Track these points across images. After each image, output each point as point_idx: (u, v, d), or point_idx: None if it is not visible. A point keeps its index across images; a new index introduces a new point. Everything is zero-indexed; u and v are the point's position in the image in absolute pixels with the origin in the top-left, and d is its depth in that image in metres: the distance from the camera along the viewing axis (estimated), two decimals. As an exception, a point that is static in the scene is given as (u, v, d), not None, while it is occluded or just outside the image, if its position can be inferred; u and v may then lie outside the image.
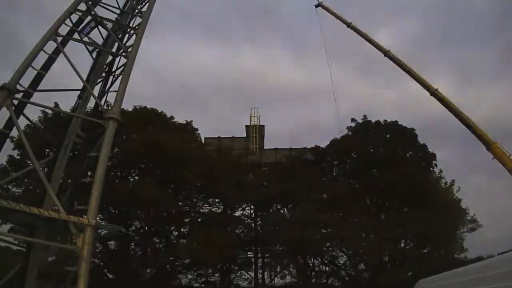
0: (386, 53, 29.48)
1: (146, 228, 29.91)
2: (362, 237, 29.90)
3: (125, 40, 13.34)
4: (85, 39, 12.67)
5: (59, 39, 11.50)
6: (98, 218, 9.76)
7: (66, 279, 10.03)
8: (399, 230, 29.23)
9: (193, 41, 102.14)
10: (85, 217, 9.36)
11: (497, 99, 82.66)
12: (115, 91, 11.85)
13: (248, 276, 34.87)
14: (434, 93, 26.64)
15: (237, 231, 32.62)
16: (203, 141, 35.07)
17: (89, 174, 11.84)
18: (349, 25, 31.90)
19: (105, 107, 12.82)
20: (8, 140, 12.17)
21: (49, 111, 25.44)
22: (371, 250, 28.62)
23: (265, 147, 39.95)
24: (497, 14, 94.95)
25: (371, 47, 30.80)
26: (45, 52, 11.24)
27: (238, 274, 34.61)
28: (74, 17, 12.28)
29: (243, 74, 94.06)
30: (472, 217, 32.85)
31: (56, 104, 21.70)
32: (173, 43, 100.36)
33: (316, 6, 35.38)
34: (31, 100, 10.93)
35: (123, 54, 12.54)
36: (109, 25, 13.07)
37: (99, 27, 12.90)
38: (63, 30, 11.91)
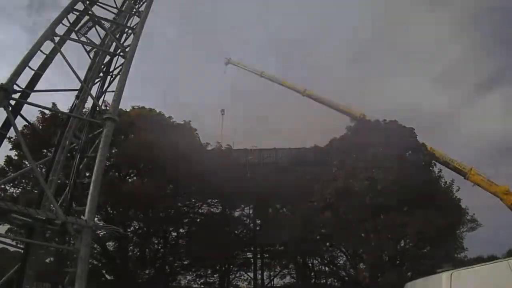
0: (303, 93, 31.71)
1: (144, 228, 29.84)
2: (361, 236, 29.83)
3: (122, 39, 13.28)
4: (83, 38, 12.60)
5: (56, 39, 11.43)
6: (96, 219, 9.68)
7: (64, 280, 9.96)
8: (398, 230, 29.16)
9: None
10: (83, 218, 9.30)
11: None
12: (113, 91, 11.78)
13: (248, 276, 34.87)
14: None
15: (236, 232, 32.57)
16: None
17: (87, 174, 11.79)
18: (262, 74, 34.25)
19: (103, 107, 12.74)
20: (6, 140, 12.12)
21: (47, 111, 25.34)
22: (370, 250, 28.57)
23: (264, 147, 39.81)
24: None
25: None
26: (42, 52, 11.18)
27: (237, 275, 34.62)
28: (72, 17, 12.22)
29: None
30: (471, 217, 32.85)
31: (54, 105, 21.63)
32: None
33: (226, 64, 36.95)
34: (28, 100, 10.87)
35: (121, 54, 12.47)
36: (107, 24, 13.00)
37: (97, 26, 12.83)
38: (61, 30, 11.86)
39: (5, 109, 10.03)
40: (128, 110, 29.12)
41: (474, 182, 22.27)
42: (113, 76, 12.75)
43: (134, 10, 13.81)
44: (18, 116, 10.80)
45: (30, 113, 26.15)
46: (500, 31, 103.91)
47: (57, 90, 13.28)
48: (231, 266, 33.59)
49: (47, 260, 13.30)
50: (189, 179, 28.77)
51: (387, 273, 28.08)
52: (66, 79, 12.67)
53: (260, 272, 34.68)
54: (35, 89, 11.01)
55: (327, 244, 30.81)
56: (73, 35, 12.23)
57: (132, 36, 12.91)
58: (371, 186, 30.20)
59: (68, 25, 12.08)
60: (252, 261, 34.89)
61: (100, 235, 23.84)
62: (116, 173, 29.24)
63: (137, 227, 30.15)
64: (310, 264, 33.37)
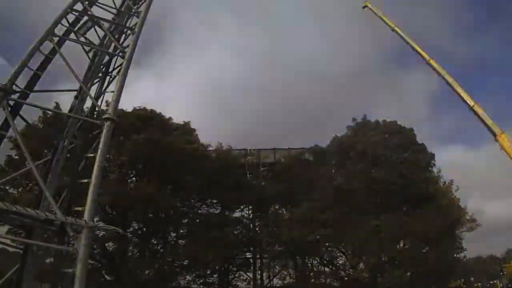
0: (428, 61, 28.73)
1: (144, 229, 29.80)
2: (361, 237, 29.88)
3: (121, 40, 13.28)
4: (82, 39, 12.60)
5: (56, 39, 11.43)
6: (95, 219, 9.67)
7: (63, 281, 9.95)
8: (398, 230, 29.19)
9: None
10: (82, 218, 9.29)
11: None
12: (112, 91, 11.76)
13: (247, 277, 34.82)
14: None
15: (235, 232, 32.55)
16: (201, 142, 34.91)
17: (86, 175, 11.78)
18: (393, 29, 31.41)
19: (102, 107, 12.75)
20: (6, 139, 12.11)
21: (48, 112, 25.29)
22: (370, 250, 28.60)
23: (263, 147, 39.79)
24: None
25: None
26: (41, 52, 11.17)
27: (236, 275, 34.57)
28: (71, 17, 12.21)
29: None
30: (470, 217, 32.90)
31: (57, 105, 21.61)
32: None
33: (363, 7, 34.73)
34: (28, 100, 10.87)
35: (120, 54, 12.46)
36: (106, 25, 12.99)
37: (96, 27, 12.83)
38: (60, 30, 11.85)
39: (4, 110, 10.03)
40: (128, 110, 29.03)
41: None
42: (112, 76, 12.75)
43: (133, 10, 13.79)
44: (18, 117, 10.81)
45: (32, 113, 26.07)
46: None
47: (57, 91, 13.31)
48: (231, 267, 33.58)
49: (47, 261, 13.29)
50: (189, 179, 28.74)
51: (386, 273, 28.10)
52: (65, 79, 12.68)
53: (259, 272, 34.65)
54: (34, 89, 11.01)
55: (327, 244, 30.80)
56: (72, 36, 12.22)
57: (131, 36, 12.91)
58: (371, 186, 30.24)
59: (67, 25, 12.07)
60: (252, 262, 34.87)
61: (100, 235, 23.82)
62: (116, 174, 29.19)
63: (136, 227, 30.12)
64: (310, 264, 33.37)
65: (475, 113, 24.53)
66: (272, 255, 32.87)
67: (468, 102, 25.05)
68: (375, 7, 33.43)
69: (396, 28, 30.78)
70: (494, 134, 23.05)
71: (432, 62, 27.72)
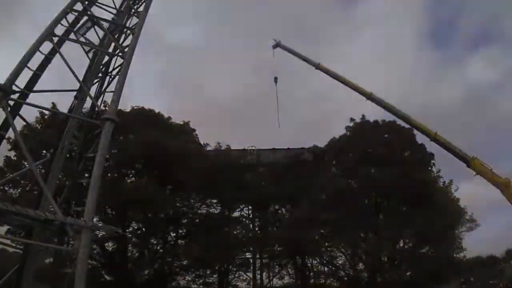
0: (369, 96, 26.51)
1: (143, 229, 29.80)
2: (360, 237, 29.86)
3: (121, 40, 13.27)
4: (81, 39, 12.59)
5: (55, 39, 11.42)
6: (95, 220, 9.67)
7: (63, 281, 9.95)
8: (397, 230, 29.18)
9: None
10: (82, 218, 9.29)
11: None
12: (112, 91, 11.76)
13: (247, 277, 34.79)
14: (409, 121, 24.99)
15: (235, 232, 32.53)
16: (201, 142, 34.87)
17: (86, 175, 11.78)
18: (317, 66, 28.26)
19: (102, 107, 12.74)
20: (5, 140, 12.10)
21: (47, 112, 25.27)
22: (369, 250, 28.59)
23: (263, 148, 39.73)
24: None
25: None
26: (41, 52, 11.17)
27: (236, 275, 34.54)
28: (70, 17, 12.21)
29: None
30: (470, 217, 32.87)
31: (54, 105, 21.58)
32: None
33: (274, 47, 30.23)
34: (27, 100, 10.85)
35: (120, 54, 12.46)
36: (106, 25, 12.98)
37: (96, 27, 12.82)
38: (59, 30, 11.85)
39: (3, 110, 10.02)
40: (128, 110, 29.03)
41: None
42: (112, 76, 12.75)
43: (133, 10, 13.79)
44: (17, 117, 10.80)
45: (31, 113, 26.05)
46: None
47: (56, 91, 13.28)
48: (230, 267, 33.53)
49: (47, 261, 13.30)
50: (188, 179, 28.72)
51: (386, 273, 28.11)
52: (65, 79, 12.65)
53: (259, 272, 34.62)
54: (34, 89, 11.00)
55: (326, 244, 30.78)
56: (72, 36, 12.22)
57: (131, 36, 12.90)
58: (370, 186, 30.21)
59: (67, 25, 12.07)
60: (251, 261, 34.84)
61: (99, 236, 23.79)
62: (116, 174, 29.18)
63: (136, 227, 30.11)
64: (309, 264, 33.34)
65: (439, 143, 23.02)
66: (272, 255, 32.83)
67: (428, 133, 23.46)
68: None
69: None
70: (466, 162, 22.05)
71: (373, 95, 25.47)
